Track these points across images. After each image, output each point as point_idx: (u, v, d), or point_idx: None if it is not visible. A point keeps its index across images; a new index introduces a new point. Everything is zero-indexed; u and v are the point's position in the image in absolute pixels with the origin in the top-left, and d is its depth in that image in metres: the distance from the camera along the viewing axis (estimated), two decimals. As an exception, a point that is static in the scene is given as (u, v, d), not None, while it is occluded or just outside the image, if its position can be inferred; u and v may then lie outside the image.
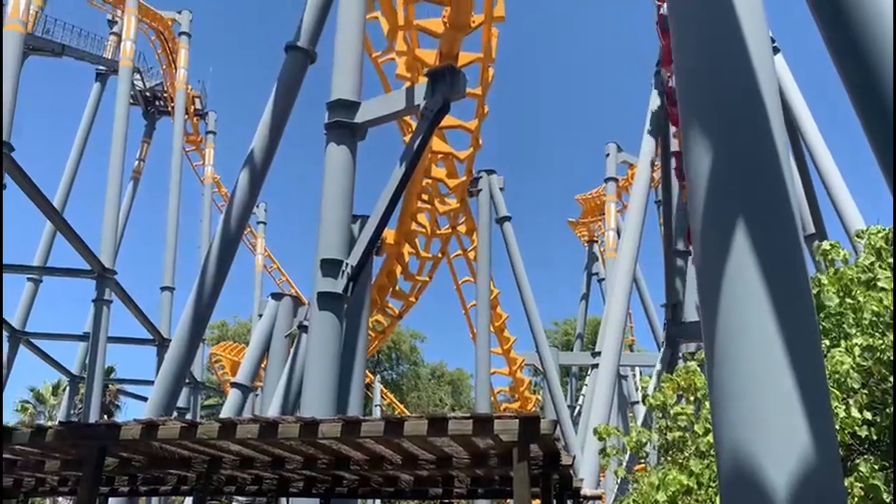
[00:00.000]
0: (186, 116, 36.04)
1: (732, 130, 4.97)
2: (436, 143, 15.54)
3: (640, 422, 23.52)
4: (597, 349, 22.32)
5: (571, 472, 8.03)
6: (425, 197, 17.41)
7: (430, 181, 17.11)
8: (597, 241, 39.53)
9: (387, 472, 8.09)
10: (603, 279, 37.67)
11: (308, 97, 14.79)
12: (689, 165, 5.14)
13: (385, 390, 46.97)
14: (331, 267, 12.31)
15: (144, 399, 37.50)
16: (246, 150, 13.67)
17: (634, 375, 37.60)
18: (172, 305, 31.86)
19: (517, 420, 5.36)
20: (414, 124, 16.49)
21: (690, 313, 23.83)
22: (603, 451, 10.23)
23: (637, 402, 38.01)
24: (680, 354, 22.77)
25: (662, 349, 22.27)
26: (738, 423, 4.37)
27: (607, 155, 31.74)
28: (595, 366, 22.52)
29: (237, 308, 65.70)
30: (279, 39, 14.19)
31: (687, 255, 23.35)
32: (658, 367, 21.92)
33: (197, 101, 39.25)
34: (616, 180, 31.46)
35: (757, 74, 4.99)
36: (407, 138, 16.45)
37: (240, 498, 10.24)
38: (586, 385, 38.17)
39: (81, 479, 6.66)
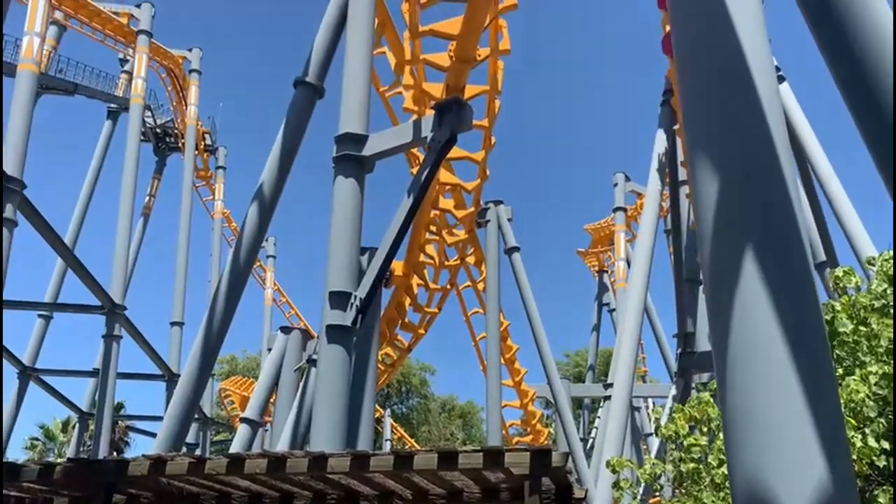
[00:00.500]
0: (196, 152, 36.40)
1: (739, 158, 4.96)
2: (443, 175, 15.63)
3: (654, 454, 23.20)
4: (609, 380, 22.12)
5: (584, 505, 7.90)
6: (433, 228, 17.44)
7: (437, 212, 17.16)
8: (607, 271, 39.42)
9: (397, 508, 7.97)
10: (614, 309, 37.44)
11: (317, 131, 14.94)
12: (697, 194, 5.13)
13: (395, 424, 46.61)
14: (339, 299, 12.30)
15: (154, 435, 37.33)
16: (256, 184, 13.78)
17: (647, 407, 37.17)
18: (182, 340, 31.89)
19: (528, 453, 5.29)
20: (421, 156, 16.62)
21: (703, 343, 23.64)
22: (616, 484, 10.08)
23: (651, 434, 37.54)
24: (693, 385, 22.57)
25: (675, 379, 22.05)
26: (752, 455, 4.29)
27: (615, 185, 31.77)
28: (607, 397, 22.31)
29: (246, 342, 65.79)
30: (288, 75, 14.38)
31: (698, 284, 23.22)
32: (671, 398, 21.69)
33: (207, 136, 39.68)
34: (625, 210, 31.44)
35: (762, 102, 5.00)
36: (415, 170, 16.56)
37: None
38: (599, 417, 37.84)
39: (89, 517, 6.59)
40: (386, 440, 41.55)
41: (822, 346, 4.55)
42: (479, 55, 12.45)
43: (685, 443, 9.39)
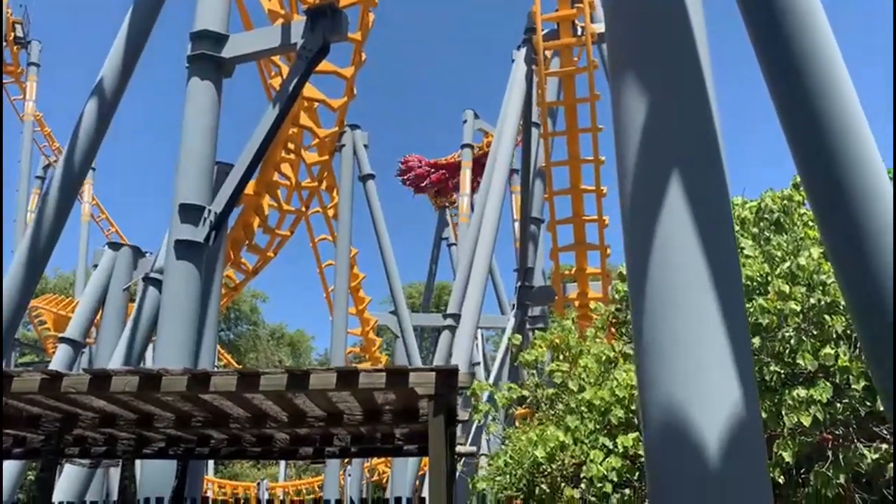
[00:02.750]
0: (5, 44, 32.06)
1: (665, 83, 4.91)
2: (307, 89, 14.75)
3: (487, 380, 24.14)
4: (449, 311, 22.51)
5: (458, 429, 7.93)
6: (291, 146, 16.53)
7: (296, 130, 16.24)
8: (448, 207, 39.85)
9: (263, 432, 7.57)
10: (453, 244, 38.10)
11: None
12: (620, 119, 5.03)
13: (222, 351, 45.15)
14: (191, 213, 11.40)
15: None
16: (75, 85, 12.25)
17: (476, 337, 38.52)
18: (-16, 253, 28.54)
19: (434, 373, 5.10)
20: (283, 66, 15.55)
21: (538, 279, 24.70)
22: (475, 408, 10.25)
23: (478, 363, 39.12)
24: (526, 316, 23.59)
25: (514, 310, 22.90)
26: (666, 382, 4.34)
27: (464, 121, 31.91)
28: (446, 327, 22.78)
29: (57, 260, 60.28)
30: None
31: (540, 222, 24.08)
32: (509, 328, 22.54)
33: (17, 27, 35.03)
34: (472, 147, 31.71)
35: (692, 25, 4.95)
36: (275, 81, 15.50)
37: (81, 461, 9.26)
38: (427, 347, 38.77)
39: None
40: (213, 366, 40.22)
41: (735, 270, 4.69)
42: (359, -40, 11.66)
43: (547, 369, 9.71)
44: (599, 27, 19.55)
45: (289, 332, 64.15)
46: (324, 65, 13.49)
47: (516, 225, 31.96)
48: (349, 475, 32.52)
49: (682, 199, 4.59)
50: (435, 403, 5.01)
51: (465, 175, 31.33)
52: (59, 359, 17.75)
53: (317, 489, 37.16)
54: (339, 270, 20.55)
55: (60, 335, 19.27)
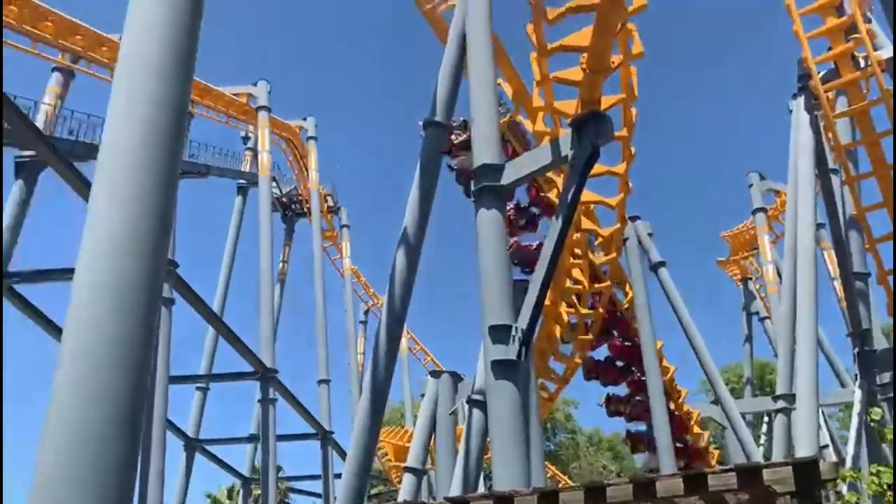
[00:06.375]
0: (321, 214, 37.51)
1: None
2: (583, 193, 15.10)
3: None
4: (778, 392, 20.49)
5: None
6: (578, 251, 16.87)
7: (579, 235, 16.59)
8: (751, 279, 37.19)
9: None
10: (765, 318, 35.18)
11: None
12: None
13: (547, 462, 45.44)
14: (500, 333, 11.94)
15: (313, 495, 37.99)
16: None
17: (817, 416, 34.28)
18: (330, 397, 32.47)
19: (790, 467, 4.65)
20: (556, 179, 16.19)
21: (880, 340, 21.63)
22: (841, 498, 9.03)
23: (826, 446, 34.60)
24: (875, 386, 20.60)
25: (858, 381, 20.19)
26: None
27: (750, 185, 30.26)
28: (778, 410, 20.74)
29: (385, 394, 66.20)
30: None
31: (867, 276, 21.37)
32: (857, 402, 19.86)
33: (328, 198, 40.84)
34: (765, 210, 29.77)
35: None
36: (553, 194, 16.13)
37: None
38: (763, 434, 35.31)
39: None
40: (544, 480, 40.43)
41: None
42: (613, 62, 11.98)
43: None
44: (885, 53, 17.70)
45: (606, 435, 62.78)
46: (595, 167, 13.77)
47: (835, 283, 28.79)
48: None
49: None
50: (798, 503, 4.53)
51: (764, 241, 29.33)
52: (406, 487, 19.12)
53: None
54: (649, 367, 19.92)
55: (404, 465, 20.86)
